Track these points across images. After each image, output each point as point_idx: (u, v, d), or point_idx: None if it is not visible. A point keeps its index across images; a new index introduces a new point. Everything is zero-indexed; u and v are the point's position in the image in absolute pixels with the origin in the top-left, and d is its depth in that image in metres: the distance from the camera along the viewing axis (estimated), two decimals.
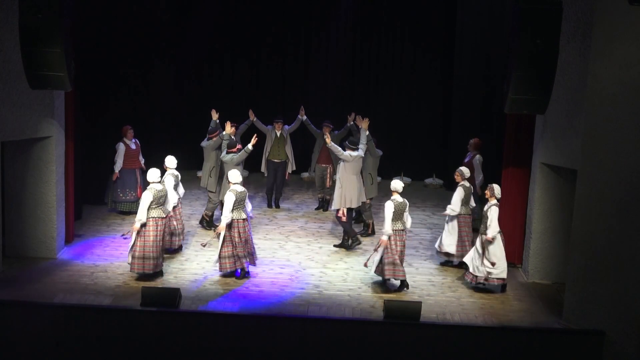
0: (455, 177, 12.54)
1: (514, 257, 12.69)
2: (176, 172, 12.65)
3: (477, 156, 13.60)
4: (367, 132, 12.98)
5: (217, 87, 17.25)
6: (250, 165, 15.93)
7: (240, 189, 11.64)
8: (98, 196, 14.86)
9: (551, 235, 12.02)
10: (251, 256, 11.78)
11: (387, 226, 11.31)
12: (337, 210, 12.82)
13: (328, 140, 12.92)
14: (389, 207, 11.35)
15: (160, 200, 11.50)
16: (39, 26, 9.86)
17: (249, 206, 11.92)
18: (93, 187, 14.71)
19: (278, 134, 14.83)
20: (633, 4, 9.19)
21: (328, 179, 14.85)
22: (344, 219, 12.78)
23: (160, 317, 10.42)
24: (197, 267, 12.17)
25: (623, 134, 10.07)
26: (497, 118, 14.08)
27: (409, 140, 15.83)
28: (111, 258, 12.37)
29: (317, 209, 15.12)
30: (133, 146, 14.29)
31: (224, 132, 13.39)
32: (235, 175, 11.71)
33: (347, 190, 12.71)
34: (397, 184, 11.59)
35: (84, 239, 13.12)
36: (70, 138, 12.51)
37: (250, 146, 12.86)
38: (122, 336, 10.35)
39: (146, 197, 11.36)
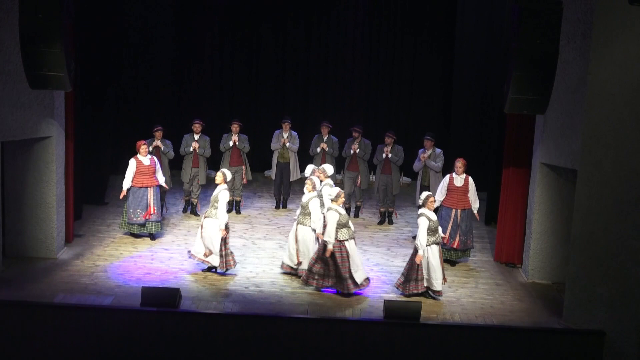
0: (429, 203, 11.35)
1: (514, 257, 12.70)
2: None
3: (471, 178, 12.60)
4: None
5: (218, 87, 17.23)
6: (257, 166, 15.92)
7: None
8: (98, 196, 14.87)
9: (551, 235, 12.02)
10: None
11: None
12: None
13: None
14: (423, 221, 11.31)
15: (341, 221, 11.25)
16: (39, 26, 9.84)
17: None
18: (93, 187, 14.71)
19: (285, 136, 14.77)
20: (633, 4, 9.17)
21: None
22: None
23: (160, 317, 10.41)
24: (197, 267, 12.16)
25: (623, 134, 10.06)
26: (497, 118, 14.07)
27: (409, 140, 15.82)
28: (111, 258, 12.37)
29: None
30: (147, 162, 13.08)
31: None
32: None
33: None
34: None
35: (84, 239, 13.12)
36: (70, 138, 12.51)
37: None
38: (122, 336, 10.34)
39: (332, 218, 11.13)
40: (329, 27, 17.01)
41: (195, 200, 14.57)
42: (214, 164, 15.36)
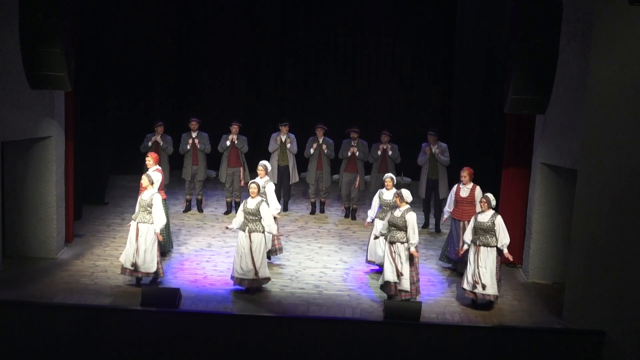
0: (482, 204, 11.09)
1: (514, 257, 12.68)
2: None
3: (478, 188, 12.06)
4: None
5: (217, 88, 17.23)
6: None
7: None
8: (98, 196, 14.87)
9: (551, 235, 12.01)
10: None
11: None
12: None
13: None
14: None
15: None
16: (39, 26, 9.85)
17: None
18: (93, 187, 14.71)
19: (284, 138, 14.74)
20: (633, 4, 9.18)
21: (323, 183, 14.85)
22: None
23: (160, 317, 10.42)
24: (197, 267, 12.17)
25: (623, 134, 10.07)
26: (497, 118, 14.07)
27: (409, 141, 15.82)
28: (111, 258, 12.36)
29: (312, 213, 15.02)
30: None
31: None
32: None
33: None
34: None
35: (84, 239, 13.12)
36: (70, 138, 12.51)
37: None
38: (122, 336, 10.35)
39: (414, 218, 11.07)
40: (329, 27, 16.99)
41: (200, 197, 14.65)
42: (215, 164, 15.35)
